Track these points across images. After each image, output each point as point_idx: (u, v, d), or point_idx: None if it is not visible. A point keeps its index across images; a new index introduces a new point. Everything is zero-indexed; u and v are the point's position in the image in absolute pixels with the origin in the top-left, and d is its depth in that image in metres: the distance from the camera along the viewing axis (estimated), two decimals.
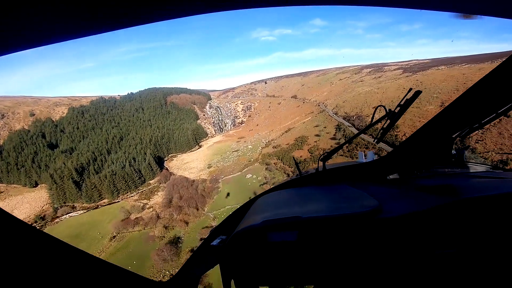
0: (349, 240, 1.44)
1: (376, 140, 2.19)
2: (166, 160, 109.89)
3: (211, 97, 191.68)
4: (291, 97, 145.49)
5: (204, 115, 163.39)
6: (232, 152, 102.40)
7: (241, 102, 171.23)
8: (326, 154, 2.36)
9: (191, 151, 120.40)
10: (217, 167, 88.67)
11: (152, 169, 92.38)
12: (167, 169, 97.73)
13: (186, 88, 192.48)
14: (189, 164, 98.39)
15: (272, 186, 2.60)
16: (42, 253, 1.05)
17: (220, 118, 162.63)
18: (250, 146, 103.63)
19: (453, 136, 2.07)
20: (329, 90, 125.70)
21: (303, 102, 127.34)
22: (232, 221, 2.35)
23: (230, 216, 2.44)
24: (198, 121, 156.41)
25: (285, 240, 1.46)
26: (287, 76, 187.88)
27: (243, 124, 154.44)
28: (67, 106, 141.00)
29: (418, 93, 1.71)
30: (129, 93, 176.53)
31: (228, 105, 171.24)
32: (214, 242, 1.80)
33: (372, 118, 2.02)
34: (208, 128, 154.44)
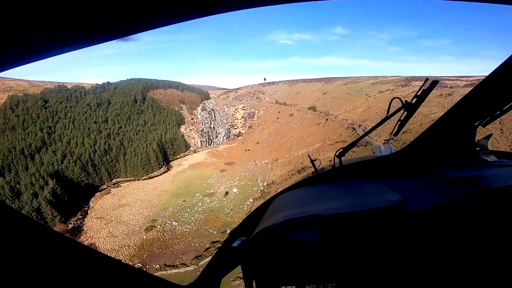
0: (373, 237, 1.39)
1: (393, 133, 2.08)
2: (97, 195, 67.33)
3: (210, 96, 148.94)
4: (308, 108, 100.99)
5: (192, 119, 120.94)
6: (205, 196, 59.19)
7: (243, 107, 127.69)
8: (342, 150, 2.24)
9: (149, 176, 78.00)
10: (163, 231, 46.07)
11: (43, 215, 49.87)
12: (84, 214, 55.47)
13: (179, 83, 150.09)
14: (122, 211, 55.07)
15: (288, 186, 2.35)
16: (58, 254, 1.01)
17: (212, 126, 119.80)
18: (235, 190, 60.23)
19: (475, 124, 1.99)
20: (366, 105, 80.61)
21: (326, 119, 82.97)
22: (251, 222, 2.20)
23: (249, 217, 2.30)
24: (182, 126, 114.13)
25: (307, 238, 1.42)
26: (304, 81, 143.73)
27: (239, 137, 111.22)
28: (19, 92, 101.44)
29: (435, 83, 1.66)
30: (106, 82, 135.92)
31: (225, 109, 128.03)
32: (235, 244, 1.74)
33: (388, 110, 1.89)
34: (193, 138, 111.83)
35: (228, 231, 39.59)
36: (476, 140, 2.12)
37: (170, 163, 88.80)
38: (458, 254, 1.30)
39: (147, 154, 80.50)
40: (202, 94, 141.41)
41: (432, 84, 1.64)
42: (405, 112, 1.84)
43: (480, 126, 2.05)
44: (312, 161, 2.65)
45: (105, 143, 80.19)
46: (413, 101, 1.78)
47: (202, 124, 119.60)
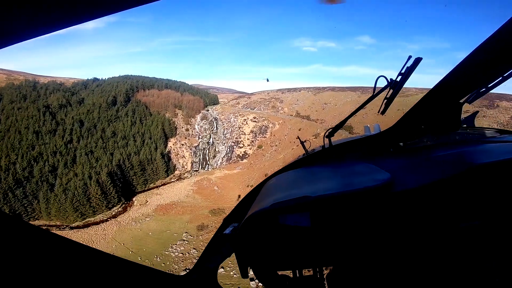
0: (363, 217, 1.35)
1: (380, 112, 2.02)
2: None
3: (219, 100, 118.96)
4: (344, 128, 68.56)
5: (187, 129, 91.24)
6: None
7: (254, 117, 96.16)
8: (330, 130, 2.20)
9: (86, 222, 48.31)
10: None
11: None
12: None
13: (181, 83, 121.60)
14: None
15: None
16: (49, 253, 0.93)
17: (211, 141, 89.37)
18: None
19: (461, 101, 1.98)
20: None
21: None
22: (244, 208, 2.12)
23: (241, 203, 2.22)
24: (171, 140, 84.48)
25: (297, 222, 1.37)
26: (332, 89, 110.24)
27: (244, 160, 79.96)
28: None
29: (418, 60, 1.66)
30: (93, 78, 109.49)
31: (232, 119, 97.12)
32: (227, 231, 1.69)
33: (374, 89, 1.87)
34: (183, 158, 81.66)
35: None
36: (462, 118, 2.07)
37: (134, 198, 58.95)
38: (448, 235, 1.26)
39: (86, 188, 50.72)
40: (207, 98, 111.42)
41: (415, 61, 1.66)
42: (391, 90, 1.82)
43: (466, 104, 2.01)
44: (302, 143, 2.47)
45: (25, 167, 51.54)
46: (398, 79, 1.77)
47: (199, 138, 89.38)
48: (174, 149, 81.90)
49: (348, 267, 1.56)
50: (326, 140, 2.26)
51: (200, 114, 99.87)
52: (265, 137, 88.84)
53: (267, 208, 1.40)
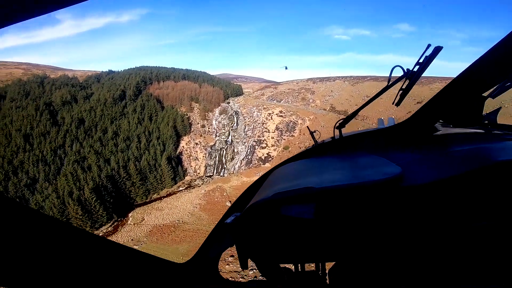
0: (369, 211, 1.29)
1: (395, 103, 1.91)
2: None
3: (243, 90, 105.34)
4: None
5: (203, 126, 79.32)
6: None
7: (280, 111, 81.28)
8: (341, 121, 2.04)
9: None
10: None
11: None
12: None
13: (200, 72, 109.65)
14: None
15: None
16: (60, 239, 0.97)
17: (229, 139, 76.57)
18: None
19: (484, 95, 1.86)
20: None
21: None
22: (248, 197, 2.08)
23: (246, 192, 2.16)
24: (185, 138, 73.22)
25: (300, 213, 1.31)
26: (375, 79, 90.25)
27: (266, 165, 66.04)
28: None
29: (438, 49, 1.56)
30: (108, 70, 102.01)
31: (255, 113, 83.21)
32: (228, 220, 1.57)
33: (389, 79, 1.75)
34: (196, 160, 69.94)
35: None
36: (484, 113, 1.95)
37: (131, 213, 48.51)
38: (459, 234, 1.21)
39: (64, 208, 40.60)
40: (228, 89, 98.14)
41: (435, 50, 1.55)
42: (407, 81, 1.72)
43: (489, 98, 1.90)
44: (311, 133, 2.38)
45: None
46: (415, 69, 1.66)
47: (216, 136, 76.96)
48: (186, 150, 70.50)
49: (351, 263, 1.51)
50: (337, 132, 2.13)
51: (219, 107, 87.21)
52: (292, 135, 73.71)
53: (269, 198, 1.34)
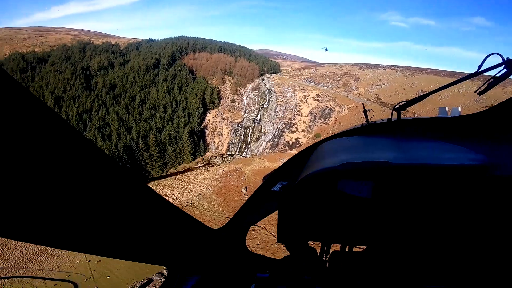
0: (449, 196, 1.20)
1: (479, 92, 1.69)
2: None
3: (281, 68, 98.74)
4: None
5: (233, 101, 75.67)
6: None
7: (317, 95, 74.28)
8: (404, 103, 1.83)
9: None
10: None
11: None
12: None
13: (239, 46, 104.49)
14: None
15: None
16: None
17: (258, 118, 72.17)
18: None
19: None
20: None
21: None
22: (290, 168, 1.99)
23: (288, 163, 2.06)
24: (212, 112, 70.55)
25: (365, 188, 1.22)
26: (436, 72, 77.17)
27: (293, 151, 60.88)
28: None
29: None
30: (149, 38, 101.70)
31: (289, 93, 77.22)
32: (275, 188, 1.53)
33: (481, 64, 1.56)
34: (220, 136, 67.19)
35: None
36: None
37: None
38: None
39: None
40: (265, 65, 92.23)
41: None
42: (504, 70, 1.48)
43: None
44: (365, 111, 2.18)
45: None
46: None
47: (245, 113, 73.02)
48: (212, 124, 67.89)
49: (402, 250, 1.39)
50: (395, 114, 1.92)
51: (252, 83, 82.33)
52: (327, 123, 66.89)
53: (334, 167, 1.24)
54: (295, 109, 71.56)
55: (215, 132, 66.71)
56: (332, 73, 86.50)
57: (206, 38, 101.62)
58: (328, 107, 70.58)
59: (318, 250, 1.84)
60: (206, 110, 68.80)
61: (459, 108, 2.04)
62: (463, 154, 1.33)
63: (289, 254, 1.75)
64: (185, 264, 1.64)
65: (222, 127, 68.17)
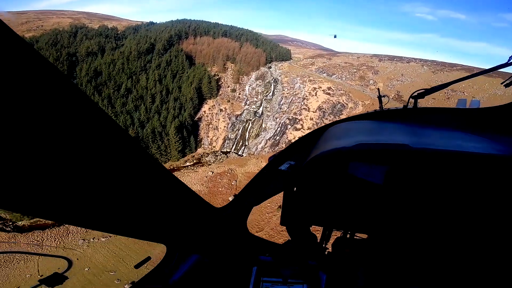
0: (473, 187, 1.13)
1: (505, 84, 1.64)
2: None
3: (292, 56, 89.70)
4: None
5: (234, 90, 68.13)
6: None
7: (329, 88, 65.50)
8: (422, 91, 1.74)
9: None
10: None
11: None
12: None
13: (246, 30, 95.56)
14: None
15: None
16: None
17: (260, 110, 64.42)
18: None
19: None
20: None
21: None
22: (297, 148, 1.92)
23: (296, 143, 1.97)
24: (208, 102, 63.46)
25: (380, 172, 1.15)
26: (468, 69, 66.21)
27: None
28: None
29: None
30: (150, 21, 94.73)
31: (298, 84, 68.70)
32: (283, 167, 1.48)
33: (511, 57, 1.49)
34: (215, 130, 60.20)
35: None
36: None
37: None
38: None
39: None
40: (273, 52, 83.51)
41: None
42: None
43: None
44: (379, 97, 2.12)
45: None
46: None
47: (245, 104, 65.49)
48: (207, 116, 60.94)
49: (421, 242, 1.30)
50: (411, 102, 1.83)
51: (257, 71, 74.13)
52: (338, 118, 58.23)
53: (348, 147, 1.18)
54: (302, 103, 63.23)
55: (210, 126, 59.82)
56: (348, 63, 76.58)
57: (212, 22, 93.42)
58: (340, 102, 61.71)
59: (318, 237, 1.80)
60: (202, 101, 61.82)
61: (480, 101, 1.90)
62: (488, 144, 1.25)
63: (289, 238, 1.69)
64: (185, 243, 1.61)
65: (219, 119, 61.10)
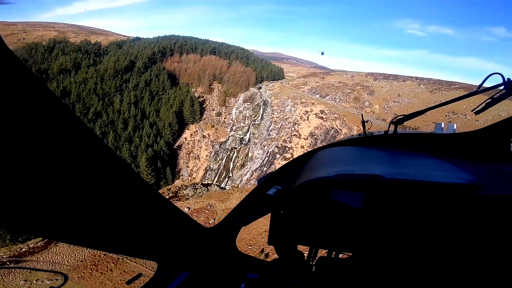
0: (435, 213, 1.25)
1: (475, 111, 1.73)
2: None
3: (285, 74, 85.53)
4: None
5: (219, 114, 62.77)
6: None
7: (322, 111, 60.81)
8: (402, 117, 1.86)
9: None
10: None
11: None
12: None
13: (236, 47, 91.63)
14: None
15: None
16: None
17: (247, 137, 58.98)
18: None
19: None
20: None
21: None
22: (284, 173, 2.04)
23: (284, 168, 2.10)
24: (190, 127, 57.94)
25: (356, 199, 1.29)
26: (467, 87, 62.73)
27: None
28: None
29: None
30: (135, 37, 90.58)
31: (289, 107, 63.83)
32: (270, 192, 1.62)
33: (481, 85, 1.61)
34: (196, 160, 54.38)
35: None
36: None
37: None
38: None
39: None
40: (264, 71, 79.13)
41: None
42: (504, 91, 1.54)
43: None
44: (363, 122, 2.23)
45: None
46: None
47: (231, 130, 60.14)
48: (188, 143, 55.37)
49: (382, 259, 1.47)
50: (392, 127, 1.97)
51: (246, 93, 69.23)
52: None
53: (329, 177, 1.31)
54: (293, 128, 58.13)
55: (191, 155, 54.17)
56: (342, 83, 72.17)
57: (201, 38, 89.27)
58: (333, 127, 56.75)
59: (306, 254, 1.86)
60: (183, 126, 56.41)
61: (455, 125, 2.03)
62: (451, 172, 1.39)
63: (278, 257, 1.81)
64: (176, 260, 1.68)
65: (201, 147, 55.54)
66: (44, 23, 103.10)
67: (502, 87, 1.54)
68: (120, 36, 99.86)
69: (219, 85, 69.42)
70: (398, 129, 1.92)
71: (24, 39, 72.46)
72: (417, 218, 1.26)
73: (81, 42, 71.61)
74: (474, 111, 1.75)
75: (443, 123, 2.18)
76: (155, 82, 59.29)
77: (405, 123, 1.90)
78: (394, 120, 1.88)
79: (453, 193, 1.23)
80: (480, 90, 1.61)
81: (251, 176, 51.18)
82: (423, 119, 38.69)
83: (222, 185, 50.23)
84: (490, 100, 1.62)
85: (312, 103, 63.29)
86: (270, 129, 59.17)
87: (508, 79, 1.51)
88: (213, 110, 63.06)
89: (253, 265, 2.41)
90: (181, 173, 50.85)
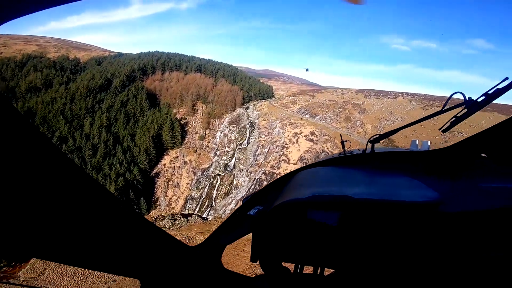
0: (401, 230, 1.34)
1: (442, 129, 1.85)
2: None
3: (274, 93, 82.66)
4: None
5: (202, 138, 58.42)
6: None
7: (312, 133, 57.20)
8: (377, 136, 2.04)
9: None
10: None
11: None
12: None
13: (224, 65, 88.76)
14: None
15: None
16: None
17: (232, 163, 54.54)
18: None
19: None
20: None
21: None
22: (268, 193, 2.13)
23: (266, 188, 2.20)
24: (171, 153, 53.27)
25: (330, 219, 1.40)
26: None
27: None
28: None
29: None
30: (118, 53, 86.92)
31: (277, 129, 60.11)
32: (251, 212, 1.69)
33: (445, 104, 1.71)
34: (175, 188, 49.43)
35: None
36: None
37: (32, 260, 29.95)
38: (477, 262, 1.26)
39: None
40: (252, 90, 76.01)
41: (510, 84, 1.44)
42: (465, 110, 1.63)
43: None
44: (342, 142, 2.34)
45: None
46: (480, 99, 1.56)
47: (215, 155, 55.67)
48: (167, 170, 50.49)
49: (358, 275, 1.58)
50: (369, 145, 2.12)
51: (232, 114, 65.43)
52: None
53: (303, 199, 1.41)
54: (281, 152, 54.17)
55: (170, 183, 49.15)
56: (333, 101, 69.57)
57: (187, 54, 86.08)
58: (324, 151, 53.10)
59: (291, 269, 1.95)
60: (162, 151, 51.67)
61: (429, 142, 2.11)
62: (417, 190, 1.46)
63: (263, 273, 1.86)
64: (158, 278, 1.71)
65: (182, 175, 50.67)
66: (29, 36, 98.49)
67: (463, 107, 1.60)
68: (105, 52, 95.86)
69: (203, 105, 65.60)
70: (376, 147, 2.03)
71: (2, 53, 67.60)
72: (384, 236, 1.33)
73: (58, 57, 67.07)
74: (441, 130, 1.83)
75: (417, 140, 2.20)
76: (132, 102, 54.90)
77: (392, 137, 2.01)
78: (371, 139, 2.01)
79: (415, 212, 1.30)
80: (445, 109, 1.69)
81: (235, 205, 46.39)
82: (404, 134, 35.95)
83: (204, 215, 45.16)
84: (454, 119, 1.69)
85: (302, 124, 59.95)
86: (257, 153, 55.04)
87: (469, 97, 1.56)
88: (196, 133, 58.77)
89: (238, 281, 2.40)
90: (158, 203, 45.65)
